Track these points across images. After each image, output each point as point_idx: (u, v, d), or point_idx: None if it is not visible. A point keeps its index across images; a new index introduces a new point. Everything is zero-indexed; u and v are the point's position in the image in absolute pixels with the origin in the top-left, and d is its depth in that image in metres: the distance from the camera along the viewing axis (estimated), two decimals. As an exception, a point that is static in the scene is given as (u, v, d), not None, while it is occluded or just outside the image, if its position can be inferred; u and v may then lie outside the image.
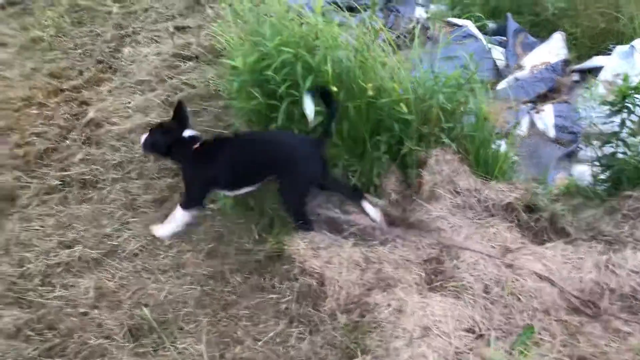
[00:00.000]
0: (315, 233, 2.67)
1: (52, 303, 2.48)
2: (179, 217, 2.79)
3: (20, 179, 3.26)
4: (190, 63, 4.51)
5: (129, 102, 4.02)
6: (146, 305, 2.48)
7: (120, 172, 3.36)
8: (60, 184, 3.22)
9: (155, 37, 4.97)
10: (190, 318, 2.44)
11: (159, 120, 3.75)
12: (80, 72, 4.44)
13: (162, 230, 2.85)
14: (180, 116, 2.80)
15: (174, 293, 2.55)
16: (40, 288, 2.55)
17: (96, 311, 2.46)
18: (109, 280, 2.61)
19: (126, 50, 4.76)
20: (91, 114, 3.84)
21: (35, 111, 3.92)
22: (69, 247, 2.79)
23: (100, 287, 2.57)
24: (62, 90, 4.16)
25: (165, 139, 2.79)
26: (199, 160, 2.72)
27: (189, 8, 5.33)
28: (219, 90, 4.00)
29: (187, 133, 2.79)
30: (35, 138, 3.62)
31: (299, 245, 2.57)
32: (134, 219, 3.00)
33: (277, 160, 2.65)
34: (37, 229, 2.90)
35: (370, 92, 2.82)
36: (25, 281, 2.59)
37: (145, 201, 3.15)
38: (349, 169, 2.98)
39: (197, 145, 2.75)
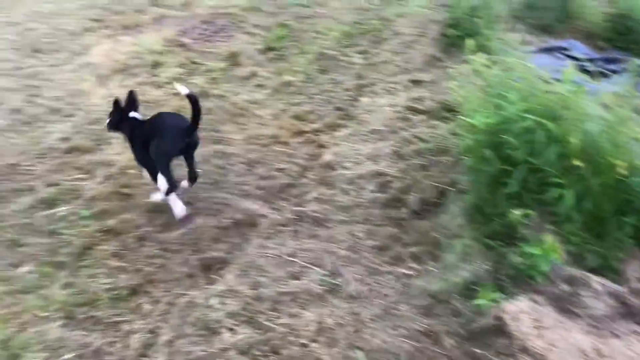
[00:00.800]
0: (541, 309, 2.52)
1: (278, 329, 2.70)
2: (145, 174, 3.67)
3: (261, 208, 3.63)
4: (422, 116, 4.64)
5: (361, 150, 4.26)
6: (360, 349, 2.57)
7: (347, 214, 3.56)
8: (295, 218, 3.52)
9: (391, 89, 5.22)
10: (400, 372, 2.47)
11: (381, 169, 3.97)
12: (321, 117, 4.83)
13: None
14: (130, 102, 3.74)
15: (387, 342, 2.61)
16: (269, 312, 2.80)
17: (315, 344, 2.61)
18: (328, 317, 2.76)
19: (364, 99, 5.08)
20: (327, 156, 4.15)
21: (279, 148, 4.35)
22: (297, 278, 3.02)
23: (320, 322, 2.73)
24: (304, 132, 4.56)
25: (117, 118, 3.70)
26: (134, 133, 3.62)
27: (427, 63, 5.51)
28: (448, 146, 4.05)
29: (132, 114, 3.69)
30: (277, 173, 4.02)
31: (522, 320, 2.45)
32: (356, 262, 3.14)
33: (154, 130, 3.47)
34: (271, 257, 3.19)
35: (621, 170, 2.62)
36: (258, 303, 2.85)
37: (367, 246, 3.30)
38: (584, 246, 2.77)
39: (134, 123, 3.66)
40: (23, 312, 2.83)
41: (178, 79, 5.52)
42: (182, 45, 6.34)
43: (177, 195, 3.55)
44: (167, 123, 3.56)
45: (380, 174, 3.92)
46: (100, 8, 7.45)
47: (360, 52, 6.14)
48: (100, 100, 5.05)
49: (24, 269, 3.11)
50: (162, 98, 5.16)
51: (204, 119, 4.76)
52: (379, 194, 3.74)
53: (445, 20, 6.12)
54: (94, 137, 4.49)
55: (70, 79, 5.49)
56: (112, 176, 3.97)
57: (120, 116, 3.72)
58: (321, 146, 4.37)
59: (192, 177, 3.70)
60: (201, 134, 4.51)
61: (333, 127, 4.66)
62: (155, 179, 3.53)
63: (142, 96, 5.12)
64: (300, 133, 4.56)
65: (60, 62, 5.85)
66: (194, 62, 5.94)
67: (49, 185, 3.88)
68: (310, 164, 4.12)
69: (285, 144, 4.42)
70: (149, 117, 3.67)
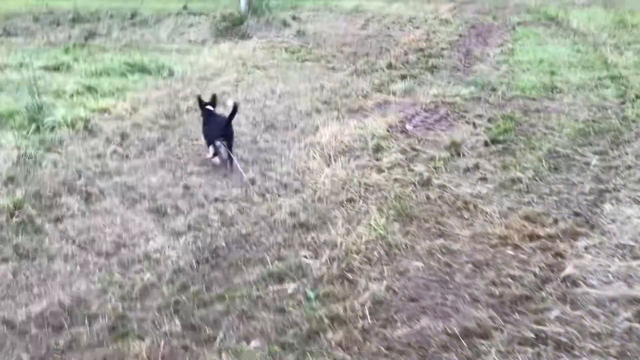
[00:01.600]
0: None
1: None
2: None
3: (494, 319, 3.30)
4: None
5: (609, 266, 3.74)
6: None
7: (599, 343, 3.07)
8: (534, 338, 3.12)
9: (639, 198, 4.63)
10: None
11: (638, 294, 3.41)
12: (555, 221, 4.40)
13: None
14: (212, 99, 5.86)
15: None
16: None
17: None
18: None
19: (606, 207, 4.55)
20: (568, 269, 3.71)
21: (510, 252, 4.01)
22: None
23: None
24: (537, 236, 4.17)
25: (200, 106, 5.85)
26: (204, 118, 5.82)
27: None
28: None
29: (209, 106, 5.79)
30: (510, 280, 3.66)
31: None
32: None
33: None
34: (510, 381, 2.84)
35: None
36: None
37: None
38: None
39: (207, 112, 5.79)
40: (250, 391, 2.82)
41: (398, 165, 5.52)
42: (404, 132, 6.40)
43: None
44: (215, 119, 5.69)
45: (637, 300, 3.37)
46: (328, 91, 7.94)
47: (597, 153, 5.63)
48: (325, 179, 5.20)
49: (253, 344, 3.14)
50: (382, 182, 5.15)
51: (427, 208, 4.67)
52: (637, 325, 3.19)
53: None
54: (319, 216, 4.58)
55: (299, 156, 5.77)
56: (337, 258, 3.95)
57: (201, 106, 5.83)
58: (559, 255, 3.93)
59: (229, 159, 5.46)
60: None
61: (571, 234, 4.20)
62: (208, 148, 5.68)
63: (363, 179, 5.20)
64: (533, 237, 4.18)
65: (290, 140, 6.23)
66: (414, 149, 5.92)
67: (278, 259, 3.98)
68: (548, 275, 3.70)
69: (517, 247, 4.06)
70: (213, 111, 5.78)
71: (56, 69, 9.05)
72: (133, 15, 13.91)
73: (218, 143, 5.45)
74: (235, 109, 5.49)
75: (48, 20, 13.54)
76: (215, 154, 5.54)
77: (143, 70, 8.82)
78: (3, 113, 6.67)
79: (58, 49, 10.58)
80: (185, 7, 15.02)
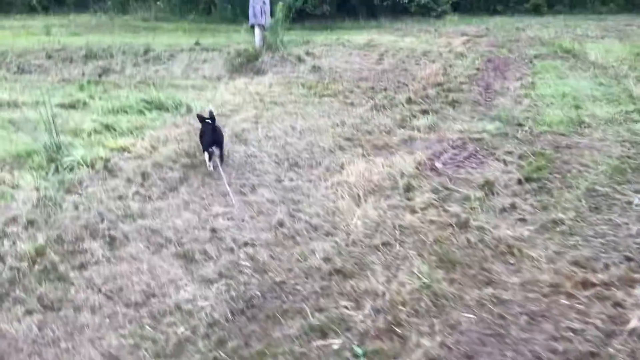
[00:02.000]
0: None
1: None
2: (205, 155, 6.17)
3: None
4: None
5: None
6: None
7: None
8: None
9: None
10: None
11: None
12: (607, 266, 4.16)
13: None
14: (210, 114, 6.28)
15: None
16: None
17: None
18: None
19: (659, 250, 4.32)
20: (633, 322, 3.46)
21: (565, 301, 3.76)
22: None
23: None
24: (591, 284, 3.93)
25: (200, 120, 6.36)
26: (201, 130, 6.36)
27: None
28: None
29: (208, 120, 6.22)
30: (571, 334, 3.42)
31: None
32: None
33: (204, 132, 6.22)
34: None
35: None
36: None
37: None
38: None
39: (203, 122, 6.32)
40: None
41: (432, 206, 5.31)
42: (434, 169, 6.20)
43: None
44: (207, 129, 6.18)
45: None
46: (349, 127, 7.77)
47: (638, 192, 5.41)
48: (357, 221, 4.98)
49: (303, 410, 2.89)
50: (417, 224, 4.93)
51: (469, 252, 4.43)
52: None
53: None
54: (355, 261, 4.35)
55: (327, 195, 5.57)
56: (382, 310, 3.71)
57: (202, 120, 6.35)
58: (618, 305, 3.68)
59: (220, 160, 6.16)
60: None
61: (627, 281, 3.95)
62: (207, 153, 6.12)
63: (397, 220, 4.98)
64: (587, 285, 3.93)
65: (316, 178, 6.03)
66: (447, 188, 5.71)
67: (318, 310, 3.75)
68: (611, 329, 3.45)
69: (571, 296, 3.81)
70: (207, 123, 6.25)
71: (72, 106, 8.94)
72: (146, 51, 13.88)
73: (211, 150, 6.06)
74: (211, 116, 6.30)
75: (61, 57, 13.51)
76: (210, 158, 6.15)
77: (160, 107, 8.69)
78: (21, 153, 6.52)
79: (72, 86, 10.50)
80: (197, 43, 15.02)
